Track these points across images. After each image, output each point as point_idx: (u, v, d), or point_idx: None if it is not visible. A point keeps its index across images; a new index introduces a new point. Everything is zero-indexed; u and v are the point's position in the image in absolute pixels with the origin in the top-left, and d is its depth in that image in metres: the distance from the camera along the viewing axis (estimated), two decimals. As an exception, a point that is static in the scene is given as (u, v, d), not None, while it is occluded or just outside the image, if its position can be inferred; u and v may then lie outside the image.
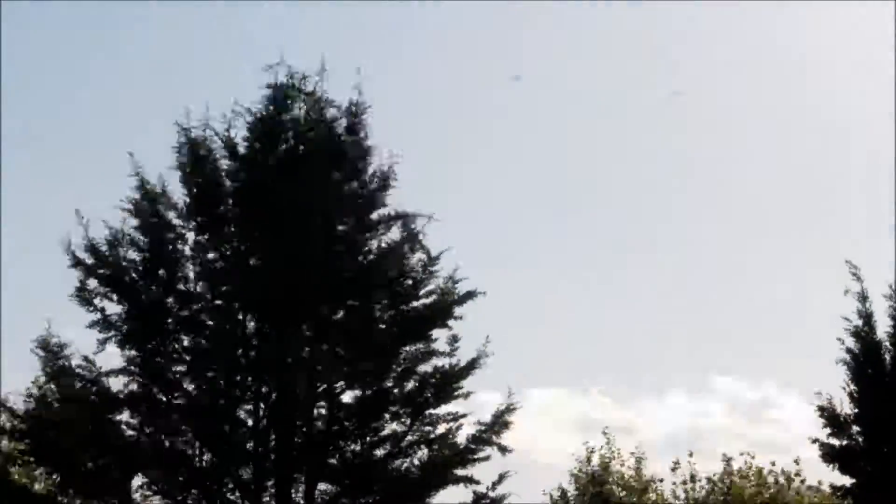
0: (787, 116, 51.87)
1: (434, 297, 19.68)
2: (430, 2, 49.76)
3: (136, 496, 18.97)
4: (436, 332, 19.56)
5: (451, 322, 19.60)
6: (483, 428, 19.40)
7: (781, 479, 29.64)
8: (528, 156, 51.87)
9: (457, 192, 48.62)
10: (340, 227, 19.63)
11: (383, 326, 19.50)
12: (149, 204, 19.23)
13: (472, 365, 19.45)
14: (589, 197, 51.97)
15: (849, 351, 21.08)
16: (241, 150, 19.59)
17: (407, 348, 19.48)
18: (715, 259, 50.70)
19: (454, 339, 19.50)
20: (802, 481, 29.69)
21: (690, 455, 30.11)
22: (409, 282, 19.71)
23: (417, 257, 19.73)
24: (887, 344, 21.08)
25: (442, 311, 19.53)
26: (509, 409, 19.55)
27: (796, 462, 29.57)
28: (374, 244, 19.71)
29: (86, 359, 18.77)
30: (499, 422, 19.46)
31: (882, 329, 21.20)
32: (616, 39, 52.89)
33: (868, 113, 49.64)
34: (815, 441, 20.99)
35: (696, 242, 51.40)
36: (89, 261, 18.89)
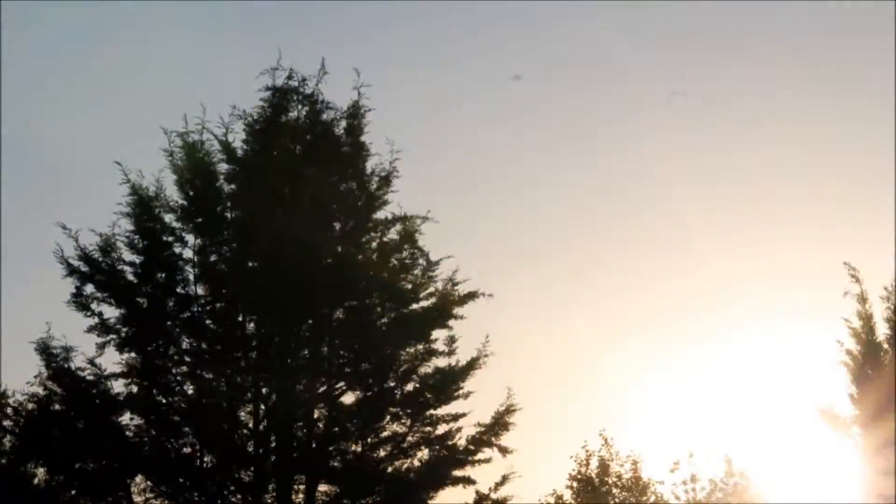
0: (786, 116, 51.79)
1: (434, 299, 19.71)
2: (432, 1, 49.65)
3: (137, 498, 19.04)
4: (436, 333, 19.62)
5: (452, 322, 19.67)
6: (482, 429, 19.42)
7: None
8: (527, 156, 51.79)
9: (456, 192, 48.57)
10: (339, 226, 19.68)
11: (384, 328, 19.51)
12: (143, 207, 19.24)
13: (471, 365, 19.49)
14: (588, 196, 51.88)
15: (848, 353, 21.07)
16: (240, 153, 19.62)
17: (407, 349, 19.50)
18: (712, 260, 50.61)
19: (452, 340, 19.57)
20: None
21: (691, 455, 29.99)
22: (409, 286, 19.73)
23: (417, 263, 19.76)
24: (886, 347, 21.08)
25: (442, 312, 19.55)
26: (509, 411, 19.59)
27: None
28: (373, 245, 19.76)
29: (91, 362, 18.82)
30: (498, 423, 19.49)
31: (882, 331, 21.21)
32: (616, 39, 52.78)
33: (868, 113, 49.48)
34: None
35: (694, 241, 51.29)
36: (84, 268, 18.90)
